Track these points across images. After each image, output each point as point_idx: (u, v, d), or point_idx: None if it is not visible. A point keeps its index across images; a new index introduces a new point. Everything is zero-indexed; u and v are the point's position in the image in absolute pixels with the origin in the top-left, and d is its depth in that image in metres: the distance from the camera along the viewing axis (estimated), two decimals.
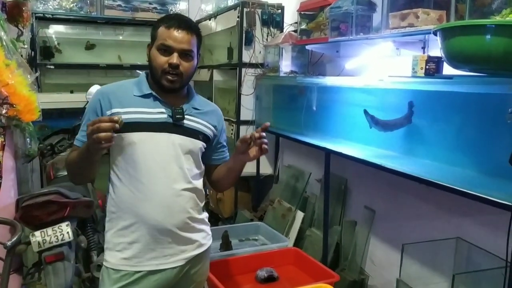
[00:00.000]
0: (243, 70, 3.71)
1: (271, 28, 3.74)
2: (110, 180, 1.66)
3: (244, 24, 3.67)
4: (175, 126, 1.61)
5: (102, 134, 1.36)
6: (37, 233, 2.32)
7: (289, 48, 3.33)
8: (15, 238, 2.02)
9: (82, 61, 4.60)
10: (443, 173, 1.87)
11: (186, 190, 1.64)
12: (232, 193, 3.96)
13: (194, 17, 5.00)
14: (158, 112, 1.60)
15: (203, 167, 1.74)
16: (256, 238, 2.73)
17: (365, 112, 2.21)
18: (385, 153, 2.28)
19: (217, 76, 4.30)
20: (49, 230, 2.32)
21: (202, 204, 1.74)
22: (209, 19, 4.44)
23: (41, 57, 4.37)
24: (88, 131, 1.38)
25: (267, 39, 3.74)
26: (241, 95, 3.74)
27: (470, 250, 2.07)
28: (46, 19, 4.34)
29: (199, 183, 1.71)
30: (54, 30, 4.52)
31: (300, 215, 3.17)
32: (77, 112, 3.71)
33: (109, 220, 1.66)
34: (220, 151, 1.81)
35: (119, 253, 1.61)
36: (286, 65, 3.37)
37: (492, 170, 1.69)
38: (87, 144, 1.44)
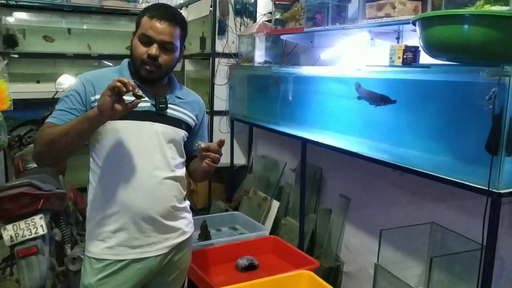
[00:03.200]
0: (216, 60, 3.69)
1: (244, 18, 3.74)
2: (91, 170, 1.63)
3: (217, 14, 3.64)
4: (158, 115, 1.61)
5: (123, 89, 1.31)
6: (9, 226, 2.25)
7: (263, 38, 3.32)
8: None
9: (48, 50, 4.45)
10: (421, 160, 1.92)
11: (169, 179, 1.63)
12: (205, 184, 3.95)
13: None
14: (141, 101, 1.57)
15: (185, 156, 1.74)
16: (234, 227, 2.73)
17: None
18: (361, 141, 2.32)
19: (188, 66, 4.26)
20: (22, 224, 2.26)
21: (185, 193, 1.74)
22: (180, 8, 4.37)
23: (4, 46, 4.20)
24: (109, 92, 1.32)
25: (240, 29, 3.73)
26: (215, 85, 3.72)
27: (444, 234, 2.14)
28: (10, 6, 4.16)
29: (182, 172, 1.71)
30: (18, 18, 4.34)
31: (276, 204, 3.20)
32: (44, 103, 3.60)
33: (90, 209, 1.63)
34: (199, 141, 1.79)
35: (101, 242, 1.59)
36: (259, 55, 3.37)
37: (468, 157, 1.75)
38: (97, 109, 1.35)
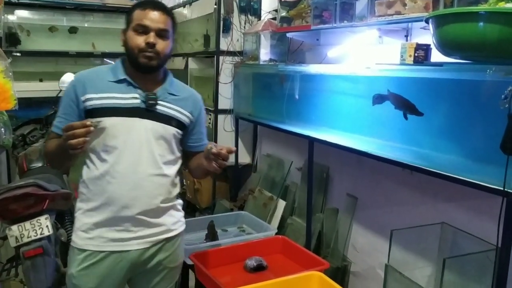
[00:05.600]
0: (221, 58, 3.67)
1: (248, 16, 3.71)
2: (85, 163, 1.67)
3: (222, 11, 3.62)
4: (147, 111, 1.63)
5: (74, 141, 1.40)
6: (14, 227, 2.24)
7: (268, 35, 3.29)
8: None
9: (50, 49, 4.42)
10: (433, 160, 1.89)
11: (156, 176, 1.64)
12: (210, 183, 3.93)
13: (167, 4, 4.89)
14: (131, 97, 1.62)
15: (178, 154, 1.74)
16: (241, 227, 2.71)
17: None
18: (369, 140, 2.29)
19: (192, 64, 4.24)
20: (27, 224, 2.25)
21: (175, 191, 1.74)
22: (184, 6, 4.35)
23: (6, 44, 4.17)
24: (64, 137, 1.42)
25: (244, 27, 3.70)
26: (219, 84, 3.70)
27: (455, 235, 2.11)
28: (12, 4, 4.15)
29: (171, 170, 1.70)
30: (20, 16, 4.32)
31: (282, 203, 3.17)
32: (47, 101, 3.59)
33: (80, 200, 1.68)
34: (196, 138, 1.81)
35: (84, 233, 1.63)
36: (264, 53, 3.34)
37: (482, 156, 1.72)
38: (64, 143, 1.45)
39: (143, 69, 1.62)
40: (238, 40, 3.70)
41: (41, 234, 2.23)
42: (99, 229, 1.62)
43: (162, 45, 1.60)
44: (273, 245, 2.31)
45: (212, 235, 2.45)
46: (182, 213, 1.81)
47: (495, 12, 1.51)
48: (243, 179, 4.09)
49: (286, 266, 2.19)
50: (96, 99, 1.59)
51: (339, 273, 2.78)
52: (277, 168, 3.50)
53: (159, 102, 1.64)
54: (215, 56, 3.67)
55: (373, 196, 2.66)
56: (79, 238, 1.65)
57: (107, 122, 1.58)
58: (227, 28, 3.64)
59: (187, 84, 4.26)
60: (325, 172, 3.01)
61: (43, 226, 2.25)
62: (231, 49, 3.69)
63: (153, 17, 1.58)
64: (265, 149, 3.85)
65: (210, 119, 3.81)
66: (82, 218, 1.65)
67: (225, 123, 3.80)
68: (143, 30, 1.58)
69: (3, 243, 2.35)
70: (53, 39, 4.49)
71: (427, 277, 2.21)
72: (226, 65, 3.70)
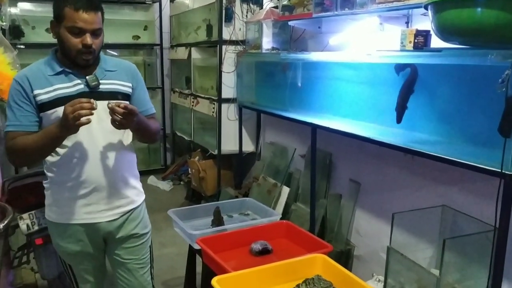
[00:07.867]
0: (224, 47, 3.70)
1: (250, 5, 3.73)
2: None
3: (224, 0, 3.64)
4: (92, 93, 1.70)
5: (84, 111, 1.48)
6: (25, 215, 2.30)
7: (270, 24, 3.32)
8: (7, 221, 1.99)
9: (54, 41, 4.44)
10: (433, 144, 1.93)
11: (115, 150, 1.78)
12: (214, 171, 3.99)
13: None
14: (75, 85, 1.70)
15: None
16: (245, 213, 2.76)
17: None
18: (371, 126, 2.33)
19: (195, 54, 4.27)
20: (38, 212, 2.30)
21: (133, 160, 1.90)
22: None
23: (10, 37, 4.20)
24: (69, 111, 1.48)
25: (247, 16, 3.72)
26: (222, 73, 3.73)
27: (455, 217, 2.16)
28: None
29: (128, 140, 1.85)
30: (23, 9, 4.35)
31: (286, 190, 3.22)
32: None
33: (49, 182, 1.79)
34: (138, 104, 1.86)
35: (57, 208, 1.78)
36: (267, 42, 3.37)
37: (481, 139, 1.76)
38: (62, 125, 1.53)
39: (81, 66, 1.69)
40: (240, 29, 3.73)
41: None
42: (72, 203, 1.75)
43: (96, 43, 1.66)
44: (277, 229, 2.35)
45: (218, 221, 2.50)
46: (141, 184, 1.95)
47: None
48: (247, 167, 4.14)
49: (290, 249, 2.23)
50: (43, 94, 1.66)
51: (343, 256, 2.83)
52: (281, 155, 3.54)
53: (100, 81, 1.73)
54: (218, 46, 3.70)
55: (375, 181, 2.71)
56: (53, 213, 1.79)
57: (59, 111, 1.62)
58: (229, 17, 3.67)
59: (190, 74, 4.34)
60: (328, 159, 3.06)
61: None
62: (234, 38, 3.72)
63: (88, 19, 1.60)
64: (268, 137, 3.89)
65: (214, 108, 3.86)
66: (54, 194, 1.77)
67: (229, 112, 3.85)
68: (78, 31, 1.61)
69: (14, 232, 2.41)
70: None
71: (429, 258, 2.26)
72: (229, 54, 3.73)
